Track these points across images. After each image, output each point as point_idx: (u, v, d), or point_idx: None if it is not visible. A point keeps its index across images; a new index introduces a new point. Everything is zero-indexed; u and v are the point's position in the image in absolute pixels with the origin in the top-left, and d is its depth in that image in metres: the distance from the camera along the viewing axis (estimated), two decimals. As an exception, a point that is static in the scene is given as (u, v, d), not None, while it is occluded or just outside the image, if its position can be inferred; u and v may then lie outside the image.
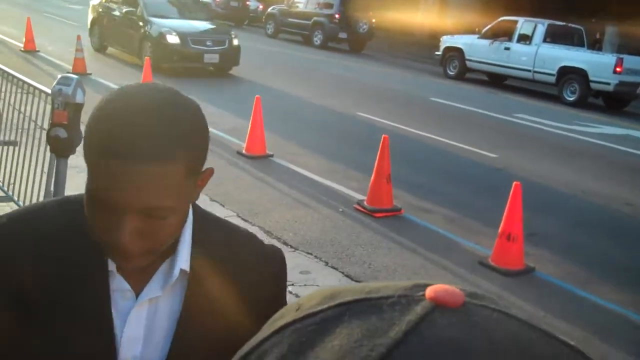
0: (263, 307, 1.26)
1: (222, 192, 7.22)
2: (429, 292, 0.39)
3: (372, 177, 7.22)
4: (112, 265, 1.18)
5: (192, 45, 14.87)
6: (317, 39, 24.65)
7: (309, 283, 5.44)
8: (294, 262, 5.69)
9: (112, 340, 1.18)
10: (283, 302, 1.34)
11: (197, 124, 1.11)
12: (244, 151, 8.85)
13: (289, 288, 5.14)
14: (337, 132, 10.82)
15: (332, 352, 0.37)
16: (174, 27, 14.90)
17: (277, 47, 22.90)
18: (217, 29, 16.24)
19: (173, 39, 14.68)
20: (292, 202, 7.32)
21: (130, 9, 15.60)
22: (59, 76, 4.59)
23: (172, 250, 1.21)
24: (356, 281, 5.55)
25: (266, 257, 1.35)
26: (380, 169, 7.16)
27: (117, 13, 16.00)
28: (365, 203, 7.26)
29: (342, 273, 5.73)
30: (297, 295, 5.00)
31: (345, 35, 24.53)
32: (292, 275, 5.35)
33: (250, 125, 8.87)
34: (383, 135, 7.34)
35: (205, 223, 1.27)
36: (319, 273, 5.68)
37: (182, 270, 1.20)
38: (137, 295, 1.20)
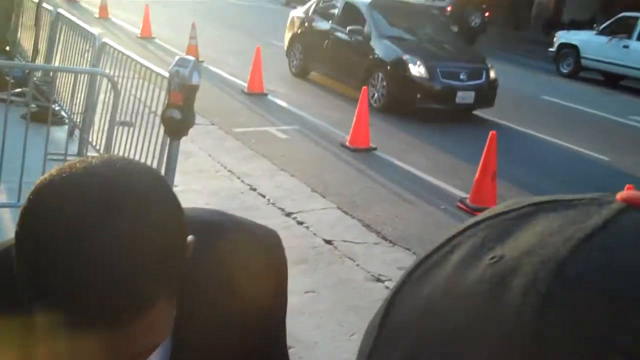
0: (264, 308, 1.19)
1: (323, 183, 7.27)
2: (620, 195, 0.40)
3: (477, 175, 7.10)
4: None
5: (442, 80, 11.03)
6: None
7: (406, 279, 5.40)
8: (392, 256, 5.68)
9: None
10: (284, 299, 1.25)
11: (172, 223, 0.86)
12: (347, 143, 8.88)
13: (386, 283, 5.13)
14: (443, 128, 10.69)
15: (533, 235, 0.38)
16: (416, 54, 11.22)
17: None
18: (469, 55, 12.47)
19: (418, 70, 10.95)
20: (393, 196, 7.29)
21: (354, 26, 11.98)
22: (177, 58, 4.73)
23: None
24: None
25: (262, 249, 1.21)
26: (485, 166, 7.03)
27: (330, 30, 12.67)
28: (468, 201, 7.15)
29: (441, 271, 5.66)
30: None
31: (456, 29, 24.17)
32: (389, 270, 5.35)
33: (355, 118, 8.89)
34: (491, 132, 7.21)
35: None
36: (417, 269, 5.62)
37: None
38: None
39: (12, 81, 5.79)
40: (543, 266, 0.35)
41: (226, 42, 16.88)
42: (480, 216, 0.42)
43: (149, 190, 0.86)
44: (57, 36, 8.09)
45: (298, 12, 14.11)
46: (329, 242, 5.83)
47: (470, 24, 24.21)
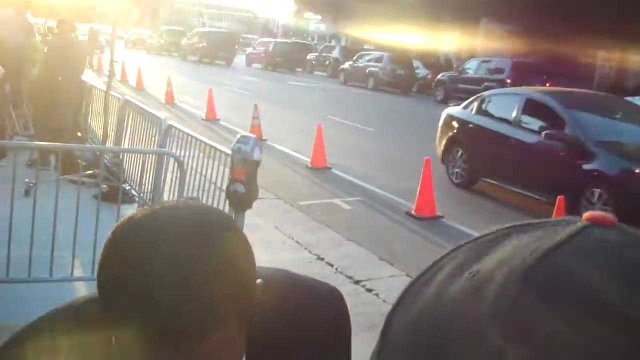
0: (328, 354, 1.20)
1: (391, 251, 7.22)
2: (585, 216, 0.45)
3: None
4: None
5: None
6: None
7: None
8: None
9: None
10: (348, 346, 1.24)
11: (249, 254, 0.93)
12: (413, 212, 8.84)
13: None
14: (506, 195, 10.56)
15: (504, 252, 0.43)
16: None
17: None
18: None
19: None
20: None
21: (553, 131, 9.24)
22: (239, 136, 4.87)
23: None
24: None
25: (324, 305, 1.22)
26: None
27: (508, 132, 10.00)
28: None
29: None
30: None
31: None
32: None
33: (419, 187, 8.87)
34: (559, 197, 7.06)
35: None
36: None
37: None
38: None
39: (84, 164, 6.00)
40: (511, 273, 0.41)
41: (288, 121, 17.22)
42: (463, 241, 0.49)
43: (229, 221, 0.95)
44: (126, 121, 8.39)
45: (456, 110, 11.73)
46: (399, 308, 5.72)
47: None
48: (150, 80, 22.92)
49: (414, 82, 30.60)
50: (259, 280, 0.96)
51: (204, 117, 16.37)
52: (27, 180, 6.93)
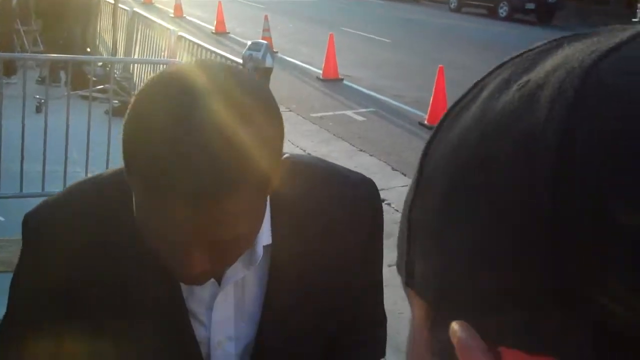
0: (360, 251, 1.17)
1: (403, 161, 7.22)
2: None
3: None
4: None
5: None
6: (503, 10, 23.92)
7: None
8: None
9: (192, 336, 1.08)
10: (379, 244, 1.22)
11: (271, 116, 0.90)
12: (426, 122, 8.79)
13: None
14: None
15: (557, 59, 0.38)
16: None
17: (461, 21, 22.48)
18: None
19: None
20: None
21: None
22: (249, 42, 4.80)
23: None
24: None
25: (355, 193, 1.17)
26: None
27: None
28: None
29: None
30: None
31: (532, 6, 23.59)
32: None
33: (432, 96, 8.79)
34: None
35: (281, 180, 1.01)
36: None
37: (264, 246, 1.06)
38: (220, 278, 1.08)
39: (94, 79, 5.96)
40: (568, 75, 0.35)
41: (299, 33, 16.96)
42: (506, 58, 0.42)
43: (263, 87, 0.91)
44: (135, 34, 8.29)
45: None
46: (411, 218, 5.77)
47: (547, 0, 23.60)
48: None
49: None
50: (286, 154, 0.94)
51: (214, 31, 16.14)
52: (37, 96, 6.92)
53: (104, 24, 10.00)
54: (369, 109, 9.60)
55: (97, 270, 1.03)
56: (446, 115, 0.43)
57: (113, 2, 9.13)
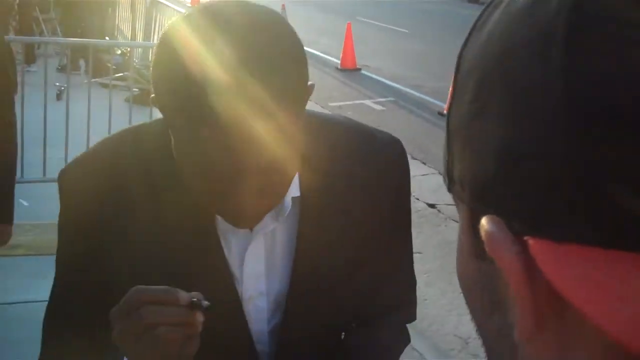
0: (388, 209, 1.17)
1: (423, 150, 7.19)
2: None
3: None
4: None
5: None
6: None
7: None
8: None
9: (231, 281, 1.10)
10: (408, 205, 1.22)
11: (300, 47, 0.96)
12: (445, 112, 8.71)
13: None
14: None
15: None
16: None
17: (478, 12, 22.31)
18: None
19: None
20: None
21: None
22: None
23: None
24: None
25: (383, 152, 1.18)
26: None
27: None
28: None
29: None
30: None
31: None
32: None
33: (451, 85, 8.71)
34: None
35: (309, 135, 1.03)
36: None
37: (293, 198, 1.07)
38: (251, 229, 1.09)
39: (114, 67, 5.97)
40: None
41: (316, 22, 16.92)
42: None
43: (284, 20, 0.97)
44: (153, 23, 8.29)
45: None
46: (432, 205, 5.78)
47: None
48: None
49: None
50: (310, 82, 0.96)
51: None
52: (57, 84, 6.94)
53: (122, 13, 10.01)
54: (387, 99, 9.57)
55: (134, 220, 1.05)
56: (478, 19, 0.44)
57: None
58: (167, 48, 0.88)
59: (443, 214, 5.58)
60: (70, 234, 1.11)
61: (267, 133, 0.86)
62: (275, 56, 0.87)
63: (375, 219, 1.15)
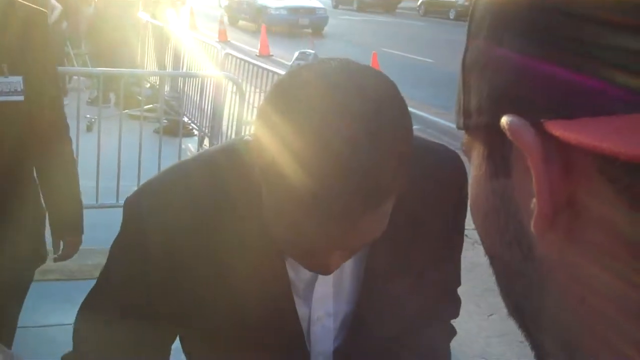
0: (448, 222, 1.20)
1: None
2: None
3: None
4: None
5: None
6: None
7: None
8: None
9: (294, 312, 1.11)
10: (464, 215, 1.21)
11: (406, 126, 0.91)
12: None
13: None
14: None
15: None
16: None
17: None
18: None
19: None
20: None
21: None
22: (297, 53, 4.83)
23: None
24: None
25: (444, 168, 1.19)
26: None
27: None
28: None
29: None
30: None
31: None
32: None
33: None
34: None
35: None
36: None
37: None
38: None
39: (144, 99, 6.05)
40: None
41: (343, 53, 17.01)
42: None
43: (399, 96, 0.92)
44: (182, 56, 8.41)
45: None
46: (460, 231, 5.74)
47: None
48: (201, 19, 22.89)
49: (453, 5, 30.17)
50: None
51: (258, 53, 16.32)
52: (88, 115, 7.04)
53: (151, 47, 10.16)
54: (415, 127, 9.54)
55: (198, 250, 1.04)
56: None
57: (161, 25, 9.28)
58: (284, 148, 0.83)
59: (470, 238, 5.55)
60: (137, 263, 1.10)
61: (370, 223, 0.87)
62: (398, 155, 0.86)
63: (436, 234, 1.17)
